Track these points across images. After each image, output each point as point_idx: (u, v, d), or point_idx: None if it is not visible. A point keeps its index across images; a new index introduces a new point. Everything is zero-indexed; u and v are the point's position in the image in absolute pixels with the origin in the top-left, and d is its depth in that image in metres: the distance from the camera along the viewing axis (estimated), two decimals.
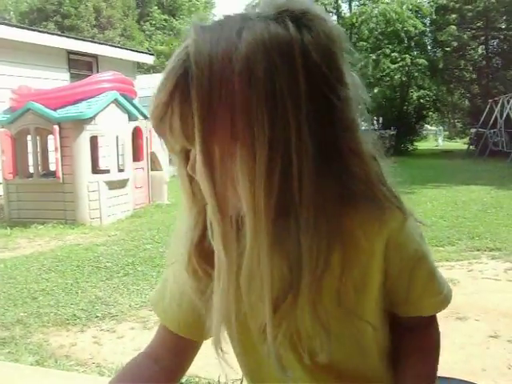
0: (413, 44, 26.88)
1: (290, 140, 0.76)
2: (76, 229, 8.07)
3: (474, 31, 29.42)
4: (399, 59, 23.85)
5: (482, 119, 21.81)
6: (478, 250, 6.10)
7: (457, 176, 13.09)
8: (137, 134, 9.77)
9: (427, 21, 28.29)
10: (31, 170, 8.84)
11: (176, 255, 0.96)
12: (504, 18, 29.37)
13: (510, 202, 9.42)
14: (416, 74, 26.74)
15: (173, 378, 1.08)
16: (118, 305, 4.56)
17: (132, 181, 9.47)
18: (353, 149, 0.83)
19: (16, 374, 2.80)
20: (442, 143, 37.45)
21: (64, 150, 8.36)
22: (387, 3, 25.20)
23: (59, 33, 18.82)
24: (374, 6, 25.23)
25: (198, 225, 0.90)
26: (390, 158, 0.92)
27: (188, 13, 41.19)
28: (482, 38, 29.67)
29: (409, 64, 25.01)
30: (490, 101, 21.77)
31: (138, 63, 15.69)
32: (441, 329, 1.08)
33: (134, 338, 3.88)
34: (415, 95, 28.27)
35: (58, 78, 11.93)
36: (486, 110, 21.77)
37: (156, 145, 10.25)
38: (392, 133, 22.74)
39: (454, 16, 28.13)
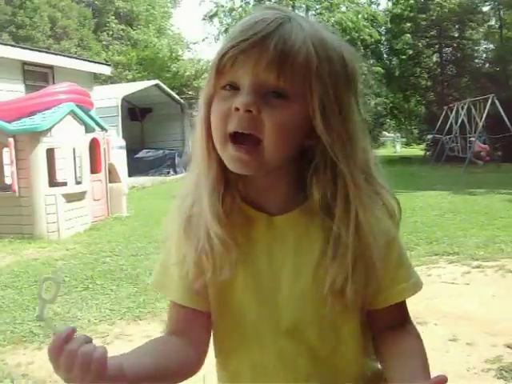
0: (369, 52, 27.30)
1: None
2: (33, 243, 7.91)
3: (428, 39, 30.10)
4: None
5: (438, 125, 22.23)
6: (436, 255, 6.19)
7: (414, 182, 13.29)
8: (94, 145, 9.65)
9: (383, 30, 28.83)
10: None
11: (174, 232, 1.06)
12: (456, 26, 30.15)
13: (467, 207, 9.61)
14: (372, 82, 27.11)
15: (201, 350, 1.10)
16: (77, 320, 4.47)
17: (90, 193, 9.34)
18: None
19: None
20: (399, 150, 37.98)
21: (20, 163, 8.20)
22: (343, 12, 25.60)
23: (13, 43, 18.49)
24: (331, 15, 25.56)
25: (217, 186, 1.00)
26: None
27: (145, 23, 40.93)
28: (436, 46, 30.37)
29: (365, 72, 25.34)
30: (445, 107, 22.22)
31: (94, 74, 15.51)
32: None
33: None
34: (372, 103, 28.66)
35: (12, 90, 11.68)
36: (442, 116, 22.21)
37: (114, 156, 10.14)
38: None
39: (408, 25, 28.73)
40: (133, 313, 4.62)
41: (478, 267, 5.65)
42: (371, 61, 27.18)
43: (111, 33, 40.85)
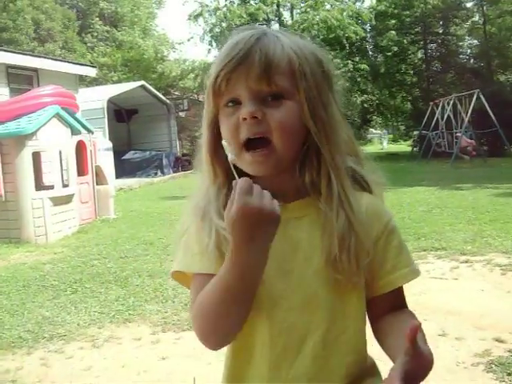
0: (354, 50, 27.36)
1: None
2: (21, 247, 7.86)
3: (413, 36, 30.21)
4: (342, 65, 24.20)
5: (424, 121, 22.33)
6: (425, 250, 6.22)
7: (402, 178, 13.33)
8: (80, 148, 9.61)
9: (367, 27, 28.89)
10: None
11: (192, 225, 1.18)
12: (441, 23, 30.31)
13: (454, 202, 9.67)
14: (359, 80, 27.21)
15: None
16: (66, 324, 4.45)
17: (77, 196, 9.29)
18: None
19: None
20: (386, 146, 38.15)
21: (5, 167, 8.15)
22: (328, 10, 25.58)
23: None
24: (315, 13, 25.52)
25: (222, 196, 1.13)
26: None
27: (130, 24, 40.73)
28: (421, 42, 30.49)
29: (351, 69, 25.43)
30: (431, 103, 22.34)
31: (80, 76, 15.41)
32: None
33: (83, 358, 3.79)
34: (359, 100, 28.78)
35: None
36: (428, 112, 22.31)
37: (101, 158, 10.10)
38: None
39: (393, 22, 28.80)
40: (122, 315, 4.61)
41: (466, 262, 5.68)
42: (357, 58, 27.24)
43: (96, 34, 40.61)
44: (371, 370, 1.21)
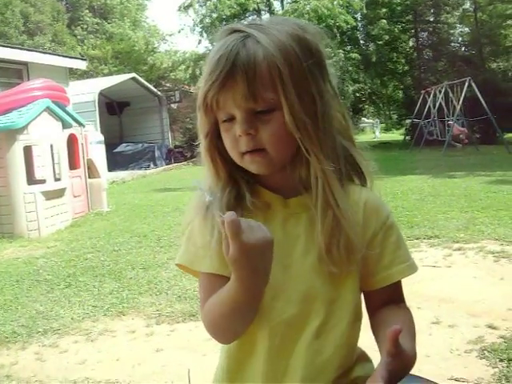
0: (345, 39, 27.29)
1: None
2: (14, 242, 7.83)
3: (404, 24, 30.15)
4: (333, 54, 24.14)
5: (416, 110, 22.35)
6: (418, 239, 6.23)
7: (394, 167, 13.34)
8: (72, 141, 9.57)
9: (358, 16, 28.80)
10: None
11: (196, 218, 1.21)
12: (432, 11, 30.27)
13: (447, 190, 9.69)
14: (350, 69, 27.14)
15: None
16: (60, 318, 4.44)
17: (70, 189, 9.26)
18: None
19: None
20: (379, 135, 38.22)
21: None
22: (318, 0, 25.48)
23: None
24: (306, 2, 25.43)
25: (226, 194, 1.18)
26: None
27: (120, 16, 40.53)
28: (412, 30, 30.45)
29: (342, 59, 25.36)
30: (423, 91, 22.34)
31: (70, 69, 15.33)
32: None
33: (77, 352, 3.78)
34: (351, 89, 28.70)
35: None
36: (420, 100, 22.32)
37: (92, 151, 10.06)
38: None
39: (384, 10, 28.76)
40: (116, 308, 4.60)
41: (458, 250, 5.70)
42: (348, 47, 27.18)
43: (86, 27, 40.39)
44: (362, 357, 1.26)
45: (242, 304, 1.08)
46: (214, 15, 25.41)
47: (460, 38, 32.12)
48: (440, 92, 20.36)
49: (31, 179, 8.44)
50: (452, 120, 19.52)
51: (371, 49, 29.56)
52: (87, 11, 41.37)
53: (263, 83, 1.08)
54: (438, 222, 6.95)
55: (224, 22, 25.41)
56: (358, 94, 29.23)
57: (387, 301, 1.21)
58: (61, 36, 37.20)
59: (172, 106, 25.30)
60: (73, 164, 9.62)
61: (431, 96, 21.19)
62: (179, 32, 30.49)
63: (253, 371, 1.19)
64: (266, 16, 25.57)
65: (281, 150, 1.13)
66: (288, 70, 1.08)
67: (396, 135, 34.12)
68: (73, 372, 3.47)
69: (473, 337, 3.50)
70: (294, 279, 1.16)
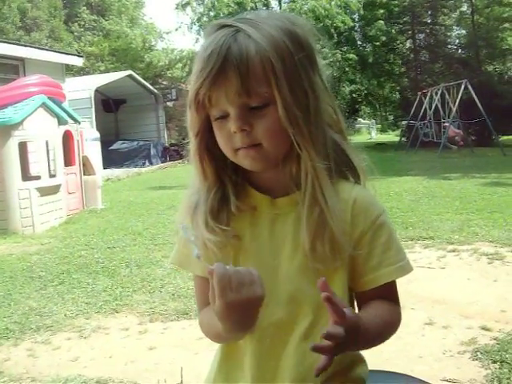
0: (342, 39, 27.31)
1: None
2: (8, 238, 7.81)
3: (401, 26, 30.19)
4: (330, 55, 24.18)
5: (412, 111, 22.36)
6: (412, 240, 6.24)
7: (390, 168, 13.36)
8: (67, 138, 9.55)
9: (356, 16, 28.82)
10: None
11: (185, 218, 1.21)
12: (429, 12, 30.32)
13: (442, 191, 9.71)
14: (347, 69, 27.18)
15: None
16: (53, 315, 4.43)
17: (64, 186, 9.24)
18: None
19: None
20: (375, 136, 38.20)
21: None
22: (316, 0, 25.50)
23: None
24: (304, 2, 25.47)
25: (211, 196, 1.17)
26: None
27: (117, 13, 40.44)
28: (409, 32, 30.48)
29: (339, 59, 25.40)
30: (419, 93, 22.36)
31: (66, 65, 15.31)
32: None
33: (70, 349, 3.78)
34: (347, 90, 28.75)
35: None
36: (416, 102, 22.33)
37: (88, 148, 10.04)
38: None
39: (381, 11, 28.79)
40: (109, 306, 4.59)
41: (453, 251, 5.71)
42: (345, 48, 27.17)
43: (83, 23, 40.31)
44: (356, 359, 1.24)
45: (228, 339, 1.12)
46: (212, 14, 25.38)
47: (457, 40, 32.20)
48: (436, 94, 20.39)
49: (26, 175, 8.42)
50: (448, 122, 19.55)
51: (368, 50, 29.60)
52: (84, 8, 41.29)
53: (256, 78, 1.06)
54: (433, 224, 6.96)
55: None
56: (354, 95, 29.31)
57: (374, 297, 1.19)
58: (58, 32, 37.11)
59: (168, 104, 25.28)
60: (68, 161, 9.60)
61: (427, 98, 21.21)
62: (176, 30, 30.44)
63: (243, 372, 1.19)
64: None
65: (276, 145, 1.11)
66: (281, 64, 1.07)
67: (392, 136, 34.14)
68: (65, 369, 3.46)
69: (466, 338, 3.51)
70: (282, 281, 1.15)
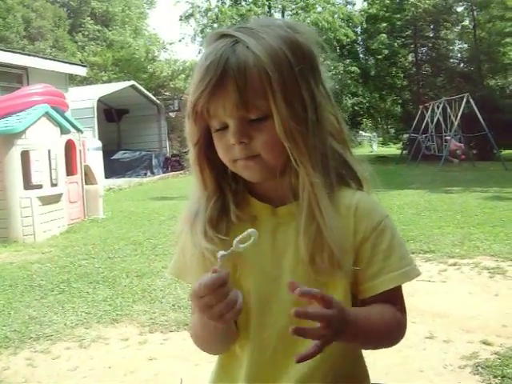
0: (345, 52, 27.43)
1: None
2: (9, 246, 7.81)
3: (403, 39, 30.32)
4: (332, 67, 24.27)
5: (414, 125, 22.41)
6: (413, 253, 6.22)
7: (391, 181, 13.36)
8: (70, 147, 9.57)
9: (358, 30, 28.97)
10: None
11: (185, 229, 1.21)
12: (431, 26, 30.45)
13: (443, 205, 9.70)
14: (349, 82, 27.25)
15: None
16: (53, 324, 4.42)
17: (66, 195, 9.24)
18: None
19: None
20: (376, 149, 38.31)
21: None
22: (319, 13, 25.67)
23: None
24: (307, 15, 25.61)
25: (211, 205, 1.16)
26: None
27: (121, 23, 40.66)
28: (412, 46, 30.62)
29: (341, 72, 25.48)
30: (421, 106, 22.41)
31: (70, 75, 15.35)
32: None
33: (69, 358, 3.76)
34: (349, 102, 28.81)
35: None
36: (418, 115, 22.38)
37: (90, 158, 10.06)
38: None
39: (384, 25, 28.93)
40: (109, 316, 4.58)
41: (454, 265, 5.70)
42: (347, 61, 27.29)
43: (87, 33, 40.49)
44: (362, 376, 1.23)
45: (209, 338, 1.13)
46: (215, 25, 25.52)
47: (459, 54, 32.32)
48: (438, 107, 20.43)
49: (28, 184, 8.43)
50: (449, 135, 19.58)
51: (370, 63, 29.73)
52: (89, 18, 41.50)
53: (254, 91, 1.05)
54: (434, 237, 6.96)
55: None
56: (356, 108, 29.35)
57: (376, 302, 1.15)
58: (62, 42, 37.28)
59: (170, 114, 25.32)
60: (70, 170, 9.61)
61: (429, 111, 21.26)
62: (180, 41, 30.77)
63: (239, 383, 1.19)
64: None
65: (275, 157, 1.10)
66: (278, 76, 1.05)
67: (393, 149, 34.18)
68: (64, 378, 3.45)
69: (467, 352, 3.50)
70: (284, 290, 1.07)
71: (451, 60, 31.76)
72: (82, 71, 16.03)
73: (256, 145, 1.08)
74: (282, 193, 1.16)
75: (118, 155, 21.27)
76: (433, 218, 8.49)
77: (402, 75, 31.13)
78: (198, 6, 26.73)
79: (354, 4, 34.08)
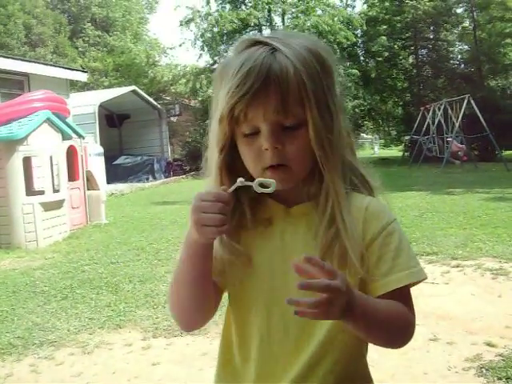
0: (345, 55, 27.41)
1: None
2: (11, 253, 7.81)
3: (403, 41, 30.31)
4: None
5: (415, 126, 22.39)
6: (416, 255, 6.19)
7: (393, 183, 13.34)
8: (71, 153, 9.58)
9: (358, 32, 28.96)
10: None
11: None
12: (431, 28, 30.45)
13: (445, 207, 9.69)
14: (350, 85, 27.23)
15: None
16: (57, 330, 4.42)
17: (68, 201, 9.25)
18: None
19: None
20: (378, 151, 38.26)
21: None
22: (319, 16, 25.67)
23: None
24: (307, 18, 25.62)
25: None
26: None
27: (122, 29, 40.70)
28: (412, 47, 30.60)
29: (342, 75, 25.45)
30: (422, 108, 22.39)
31: (71, 81, 15.39)
32: None
33: (73, 364, 3.76)
34: (350, 105, 28.77)
35: None
36: (419, 117, 22.37)
37: (92, 163, 10.07)
38: None
39: (384, 27, 28.93)
40: (113, 321, 4.58)
41: (457, 266, 5.69)
42: (348, 63, 27.27)
43: (87, 39, 40.52)
44: (363, 377, 1.23)
45: (184, 269, 1.15)
46: (216, 30, 25.54)
47: (459, 56, 32.25)
48: (439, 109, 20.42)
49: (30, 190, 8.45)
50: (451, 137, 19.57)
51: (371, 65, 29.73)
52: (89, 24, 41.51)
53: (294, 98, 1.08)
54: (437, 239, 6.95)
55: (225, 37, 25.57)
56: (357, 110, 29.30)
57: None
58: (62, 48, 37.29)
59: (172, 119, 25.37)
60: (72, 176, 9.62)
61: (430, 113, 21.25)
62: (180, 46, 30.74)
63: (245, 376, 1.20)
64: (267, 31, 25.68)
65: (303, 167, 1.14)
66: (312, 85, 1.09)
67: (395, 151, 34.15)
68: None
69: (471, 354, 3.49)
70: (292, 284, 1.09)
71: (452, 61, 31.71)
72: (82, 77, 16.06)
73: (288, 152, 1.11)
74: (298, 194, 1.18)
75: (120, 160, 21.30)
76: (435, 219, 8.48)
77: (402, 77, 31.10)
78: (198, 11, 26.73)
79: (354, 7, 34.06)
